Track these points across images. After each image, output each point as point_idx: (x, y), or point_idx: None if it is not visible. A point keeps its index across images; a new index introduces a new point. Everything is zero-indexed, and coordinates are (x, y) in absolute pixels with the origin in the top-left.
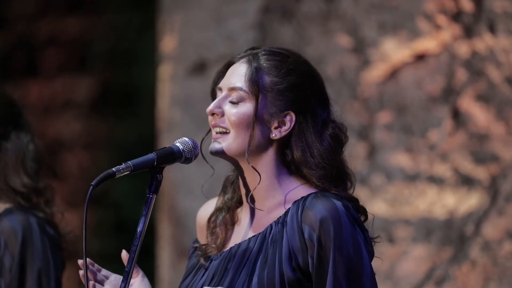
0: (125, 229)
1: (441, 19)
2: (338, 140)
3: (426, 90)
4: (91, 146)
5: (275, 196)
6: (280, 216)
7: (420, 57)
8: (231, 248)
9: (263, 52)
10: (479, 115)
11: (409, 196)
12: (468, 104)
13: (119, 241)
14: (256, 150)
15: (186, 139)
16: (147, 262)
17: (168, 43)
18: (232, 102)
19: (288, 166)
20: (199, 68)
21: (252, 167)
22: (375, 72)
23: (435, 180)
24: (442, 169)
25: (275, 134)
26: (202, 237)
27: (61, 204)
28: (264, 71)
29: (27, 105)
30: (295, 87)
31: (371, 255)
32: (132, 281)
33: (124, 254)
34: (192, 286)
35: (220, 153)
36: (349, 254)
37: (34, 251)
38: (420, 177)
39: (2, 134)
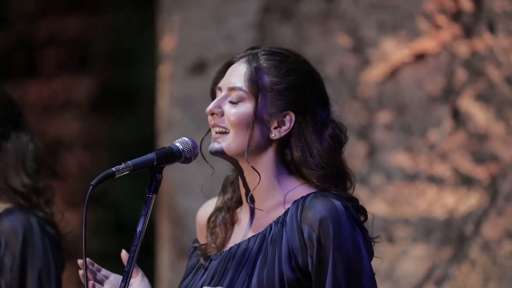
0: (124, 229)
1: (441, 19)
2: (338, 140)
3: (426, 90)
4: (91, 146)
5: (275, 196)
6: (280, 216)
7: (420, 57)
8: (230, 248)
9: (263, 52)
10: (479, 115)
11: (408, 196)
12: (468, 104)
13: (118, 241)
14: (255, 150)
15: (186, 139)
16: (146, 262)
17: (168, 43)
18: (231, 102)
19: (287, 166)
20: (199, 68)
21: (252, 167)
22: (375, 72)
23: (435, 180)
24: (441, 169)
25: (275, 134)
26: (202, 237)
27: (61, 204)
28: (264, 71)
29: (27, 105)
30: (294, 87)
31: (370, 255)
32: (131, 280)
33: (124, 254)
34: (191, 286)
35: (220, 153)
36: (349, 254)
37: (34, 251)
38: (419, 177)
39: (2, 134)
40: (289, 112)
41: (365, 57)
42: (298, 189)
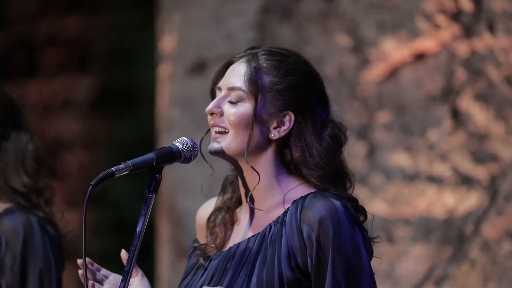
0: (124, 228)
1: (441, 19)
2: (337, 140)
3: (426, 89)
4: (91, 145)
5: (274, 196)
6: (279, 216)
7: (420, 57)
8: (230, 248)
9: (262, 52)
10: (479, 114)
11: (408, 196)
12: (468, 104)
13: (118, 240)
14: (255, 150)
15: (186, 138)
16: (146, 262)
17: (167, 43)
18: (231, 102)
19: (287, 166)
20: (199, 67)
21: (251, 167)
22: (375, 72)
23: (435, 180)
24: (441, 169)
25: (274, 134)
26: (202, 237)
27: (61, 204)
28: (264, 71)
29: (27, 104)
30: (294, 87)
31: (370, 254)
32: (131, 280)
33: (124, 254)
34: (191, 285)
35: (219, 153)
36: (348, 253)
37: (35, 250)
38: (419, 177)
39: (2, 134)
40: (288, 112)
41: (365, 57)
42: (297, 189)
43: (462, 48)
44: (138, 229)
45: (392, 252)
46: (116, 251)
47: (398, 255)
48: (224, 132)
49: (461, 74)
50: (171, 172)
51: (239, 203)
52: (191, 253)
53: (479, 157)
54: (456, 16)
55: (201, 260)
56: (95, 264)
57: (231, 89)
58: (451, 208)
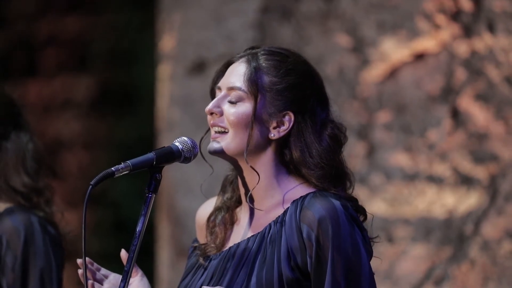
0: (124, 228)
1: (440, 19)
2: (337, 140)
3: (425, 89)
4: (91, 145)
5: (274, 195)
6: (279, 216)
7: (419, 57)
8: (230, 248)
9: (262, 52)
10: (479, 114)
11: (408, 196)
12: (468, 104)
13: (118, 240)
14: (254, 150)
15: (185, 138)
16: (146, 262)
17: (167, 43)
18: (231, 102)
19: (286, 165)
20: (199, 67)
21: (251, 167)
22: (375, 72)
23: (435, 180)
24: (441, 169)
25: (274, 134)
26: (202, 237)
27: (61, 204)
28: (263, 71)
29: (27, 104)
30: (294, 87)
31: (369, 254)
32: (131, 280)
33: (123, 254)
34: (191, 285)
35: (219, 153)
36: (348, 253)
37: (36, 250)
38: (419, 177)
39: (2, 134)
40: (288, 112)
41: (365, 57)
42: (297, 189)
43: (462, 48)
44: (138, 229)
45: (392, 252)
46: (116, 251)
47: (398, 255)
48: (224, 132)
49: (461, 74)
50: (171, 172)
51: (239, 202)
52: (191, 253)
53: (479, 157)
54: (456, 16)
55: (201, 260)
56: (95, 264)
57: (231, 89)
58: (451, 208)
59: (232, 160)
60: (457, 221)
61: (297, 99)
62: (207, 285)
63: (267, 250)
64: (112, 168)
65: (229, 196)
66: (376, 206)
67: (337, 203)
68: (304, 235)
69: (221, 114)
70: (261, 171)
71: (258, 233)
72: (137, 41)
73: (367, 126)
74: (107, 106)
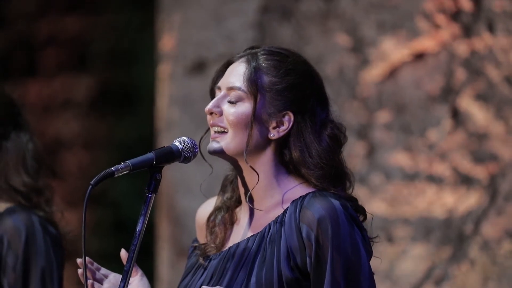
0: (124, 228)
1: (440, 19)
2: (337, 140)
3: (425, 89)
4: (91, 145)
5: (274, 195)
6: (279, 216)
7: (419, 57)
8: (230, 248)
9: (262, 52)
10: (478, 114)
11: (408, 196)
12: (467, 104)
13: (118, 240)
14: (254, 149)
15: (185, 138)
16: (146, 262)
17: (167, 43)
18: (230, 102)
19: (286, 165)
20: (199, 67)
21: (250, 166)
22: (374, 72)
23: (434, 180)
24: (441, 169)
25: (273, 134)
26: (202, 236)
27: (61, 204)
28: (263, 71)
29: (27, 104)
30: (294, 87)
31: (369, 254)
32: (131, 280)
33: (123, 253)
34: (191, 285)
35: (218, 153)
36: (347, 253)
37: (37, 250)
38: (419, 177)
39: (2, 134)
40: (288, 112)
41: (365, 57)
42: (296, 189)
43: (462, 48)
44: (138, 228)
45: (392, 251)
46: (115, 250)
47: (397, 254)
48: (223, 132)
49: (460, 74)
50: (171, 172)
51: (239, 202)
52: (191, 253)
53: (479, 157)
54: (455, 16)
55: (200, 260)
56: (95, 264)
57: (231, 88)
58: (451, 208)
59: (232, 160)
60: (457, 221)
61: (297, 99)
62: (207, 285)
63: (267, 250)
64: (112, 168)
65: (229, 196)
66: (376, 206)
67: (336, 203)
68: (304, 235)
69: (221, 114)
70: (260, 171)
71: (258, 233)
72: (137, 41)
73: (367, 126)
74: (107, 106)
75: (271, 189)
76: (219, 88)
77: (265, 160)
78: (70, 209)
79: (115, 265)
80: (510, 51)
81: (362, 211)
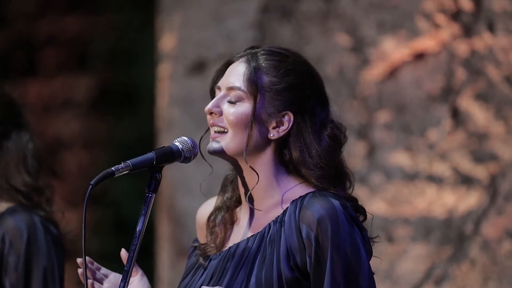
0: (124, 228)
1: (440, 18)
2: (337, 140)
3: (425, 89)
4: (91, 145)
5: (274, 195)
6: (278, 216)
7: (419, 56)
8: (230, 248)
9: (262, 52)
10: (479, 114)
11: (408, 195)
12: (468, 103)
13: (118, 240)
14: (254, 149)
15: (185, 138)
16: (146, 261)
17: (167, 42)
18: (230, 102)
19: (286, 165)
20: (199, 67)
21: (250, 166)
22: (374, 71)
23: (435, 179)
24: (441, 168)
25: (273, 134)
26: (202, 236)
27: (61, 204)
28: (263, 71)
29: (27, 104)
30: (293, 87)
31: (369, 254)
32: (131, 279)
33: (124, 253)
34: (191, 285)
35: (218, 153)
36: (347, 253)
37: (39, 250)
38: (419, 176)
39: (2, 133)
40: (287, 112)
41: (365, 57)
42: (296, 188)
43: (462, 48)
44: (138, 228)
45: (392, 251)
46: (116, 250)
47: (398, 254)
48: (223, 132)
49: (461, 74)
50: (171, 172)
51: (239, 202)
52: (191, 253)
53: (479, 157)
54: (456, 15)
55: (201, 260)
56: (95, 263)
57: (230, 88)
58: (451, 208)
59: (232, 160)
60: (457, 220)
61: (297, 99)
62: (207, 285)
63: (267, 250)
64: (112, 168)
65: (229, 196)
66: (376, 206)
67: (336, 202)
68: (304, 235)
69: (221, 114)
70: (260, 171)
71: (258, 233)
72: (137, 41)
73: (367, 126)
74: (107, 106)
75: (271, 189)
76: (219, 88)
77: (265, 160)
78: (70, 209)
79: (115, 265)
80: (510, 51)
81: (362, 211)
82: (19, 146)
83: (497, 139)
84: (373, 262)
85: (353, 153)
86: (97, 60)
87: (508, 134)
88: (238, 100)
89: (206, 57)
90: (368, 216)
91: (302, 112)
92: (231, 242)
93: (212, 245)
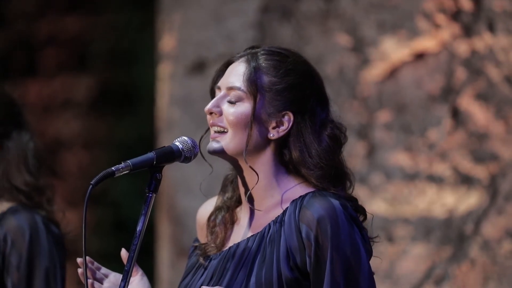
0: (124, 228)
1: (441, 18)
2: (337, 140)
3: (426, 89)
4: (91, 145)
5: (274, 195)
6: (278, 216)
7: (420, 56)
8: (230, 248)
9: (262, 52)
10: (479, 114)
11: (408, 195)
12: (468, 103)
13: (118, 240)
14: (253, 149)
15: (186, 138)
16: (146, 261)
17: (167, 43)
18: (230, 102)
19: (286, 165)
20: (199, 67)
21: (250, 166)
22: (375, 71)
23: (435, 179)
24: (441, 168)
25: (273, 134)
26: (202, 236)
27: (61, 203)
28: (263, 71)
29: (27, 104)
30: (293, 87)
31: (369, 254)
32: (131, 279)
33: (124, 253)
34: (191, 285)
35: (218, 152)
36: (346, 253)
37: (41, 249)
38: (419, 176)
39: (3, 133)
40: (287, 112)
41: (365, 57)
42: (296, 188)
43: (462, 48)
44: (138, 228)
45: (392, 251)
46: (116, 250)
47: (398, 254)
48: (223, 132)
49: (461, 74)
50: (171, 172)
51: (239, 202)
52: (192, 253)
53: (479, 157)
54: (456, 15)
55: (201, 260)
56: (95, 263)
57: (230, 88)
58: (451, 208)
59: (232, 160)
60: (457, 220)
61: (297, 99)
62: (207, 285)
63: (267, 250)
64: (113, 168)
65: (230, 195)
66: (376, 206)
67: (336, 202)
68: (303, 234)
69: (220, 113)
70: (260, 171)
71: (258, 233)
72: (137, 41)
73: (367, 126)
74: (107, 106)
75: (271, 189)
76: (219, 88)
77: (265, 160)
78: (70, 209)
79: (116, 265)
80: (510, 51)
81: (362, 211)
82: (20, 146)
83: (497, 139)
84: (373, 262)
85: (353, 153)
86: (97, 60)
87: (508, 134)
88: (238, 100)
89: (206, 57)
90: (368, 216)
91: (302, 112)
92: (231, 242)
93: (212, 245)
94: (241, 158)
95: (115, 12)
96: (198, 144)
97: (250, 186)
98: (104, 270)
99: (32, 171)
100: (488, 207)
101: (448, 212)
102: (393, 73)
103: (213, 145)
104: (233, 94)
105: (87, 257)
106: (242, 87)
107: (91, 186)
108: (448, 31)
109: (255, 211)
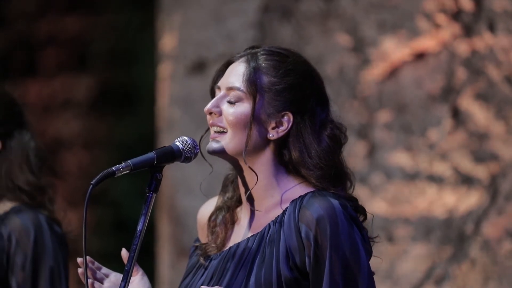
0: (124, 228)
1: (441, 18)
2: (337, 140)
3: (426, 89)
4: (91, 145)
5: (273, 195)
6: (278, 216)
7: (420, 56)
8: (230, 248)
9: (262, 52)
10: (479, 114)
11: (408, 195)
12: (468, 103)
13: (118, 240)
14: (253, 150)
15: (186, 138)
16: (147, 261)
17: (167, 42)
18: (230, 102)
19: (285, 165)
20: (199, 67)
21: (249, 167)
22: (375, 71)
23: (435, 179)
24: (441, 168)
25: (273, 135)
26: (203, 236)
27: (61, 203)
28: (263, 71)
29: (27, 104)
30: (293, 88)
31: (369, 254)
32: (131, 279)
33: (124, 253)
34: (191, 285)
35: (218, 152)
36: (346, 253)
37: (45, 249)
38: (419, 176)
39: (5, 133)
40: (287, 112)
41: (365, 57)
42: (296, 188)
43: (463, 48)
44: (138, 228)
45: (392, 251)
46: (116, 250)
47: (398, 254)
48: (223, 132)
49: (461, 74)
50: (172, 172)
51: (239, 202)
52: (192, 253)
53: (480, 157)
54: (456, 15)
55: (201, 260)
56: (96, 263)
57: (230, 89)
58: (452, 208)
59: (232, 160)
60: (457, 220)
61: (297, 99)
62: (207, 285)
63: (266, 250)
64: (113, 168)
65: (230, 195)
66: (376, 206)
67: (335, 202)
68: (303, 234)
69: (220, 114)
70: (260, 171)
71: (258, 233)
72: (137, 41)
73: (368, 125)
74: (107, 106)
75: (270, 189)
76: (219, 88)
77: (264, 160)
78: (70, 209)
79: (116, 265)
80: (510, 51)
81: (362, 211)
82: (22, 145)
83: (498, 139)
84: (373, 262)
85: (353, 153)
86: (97, 60)
87: (509, 134)
88: (238, 100)
89: (206, 57)
90: (368, 216)
91: (302, 112)
92: (231, 242)
93: (213, 245)
94: (240, 158)
95: (115, 12)
96: (198, 144)
97: (250, 186)
98: (104, 270)
99: (34, 171)
100: (489, 207)
101: (448, 212)
102: (393, 73)
103: (213, 145)
104: (232, 94)
105: (88, 257)
106: (242, 87)
107: (91, 186)
108: (448, 31)
109: (255, 211)
